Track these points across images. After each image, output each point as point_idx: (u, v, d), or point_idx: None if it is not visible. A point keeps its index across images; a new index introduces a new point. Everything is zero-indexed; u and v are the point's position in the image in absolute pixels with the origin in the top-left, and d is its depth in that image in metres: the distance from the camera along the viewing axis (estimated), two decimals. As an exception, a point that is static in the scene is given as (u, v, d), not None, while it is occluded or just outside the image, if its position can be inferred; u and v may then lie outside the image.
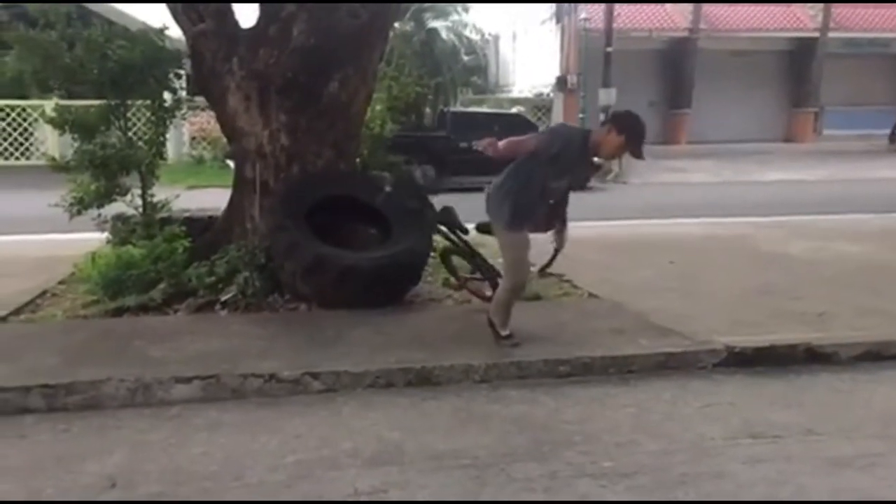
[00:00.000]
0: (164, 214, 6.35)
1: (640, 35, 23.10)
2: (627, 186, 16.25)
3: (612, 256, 7.29)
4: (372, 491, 3.03)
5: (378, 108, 7.54)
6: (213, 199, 7.40)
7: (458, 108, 18.70)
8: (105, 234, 6.23)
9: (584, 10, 22.25)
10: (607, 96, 19.05)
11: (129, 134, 6.27)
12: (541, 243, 4.66)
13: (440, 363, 4.23)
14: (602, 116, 16.72)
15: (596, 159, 4.67)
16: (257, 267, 5.51)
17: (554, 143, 4.29)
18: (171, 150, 15.63)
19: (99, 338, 4.73)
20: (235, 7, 6.05)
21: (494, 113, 18.23)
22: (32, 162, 16.93)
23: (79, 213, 6.00)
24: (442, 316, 5.32)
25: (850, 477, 3.18)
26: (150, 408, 3.87)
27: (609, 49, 19.61)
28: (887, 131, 23.17)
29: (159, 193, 6.48)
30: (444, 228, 5.53)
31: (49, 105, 7.36)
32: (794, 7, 24.32)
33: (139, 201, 6.26)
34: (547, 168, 4.27)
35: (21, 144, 18.02)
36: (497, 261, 5.01)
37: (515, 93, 25.77)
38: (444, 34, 20.47)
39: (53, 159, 6.36)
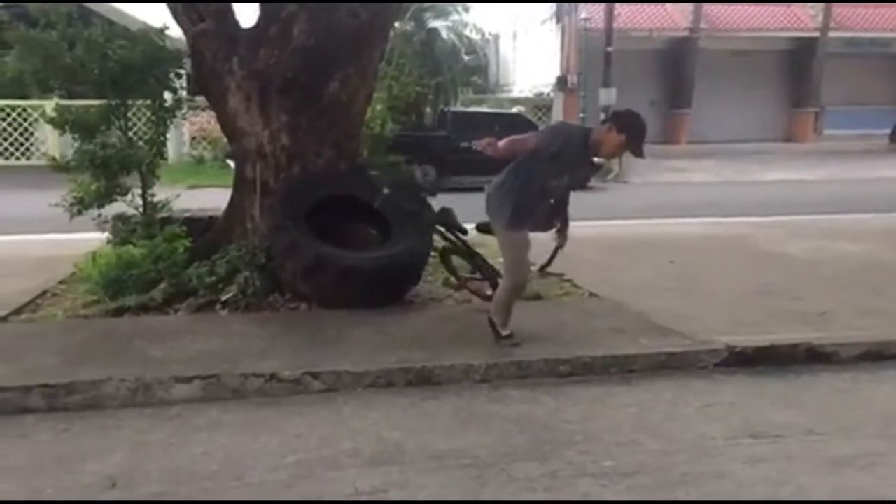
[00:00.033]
0: (164, 214, 6.35)
1: (641, 35, 23.10)
2: (628, 186, 16.25)
3: (612, 256, 7.28)
4: (372, 491, 3.03)
5: (378, 107, 7.55)
6: (214, 199, 7.40)
7: (459, 108, 18.70)
8: (105, 234, 6.23)
9: (584, 10, 22.25)
10: (608, 96, 19.05)
11: (130, 134, 6.27)
12: (541, 243, 4.66)
13: (440, 363, 4.22)
14: (602, 116, 16.70)
15: (596, 159, 4.68)
16: (258, 267, 5.51)
17: (554, 141, 4.28)
18: (171, 149, 15.64)
19: (99, 337, 4.73)
20: (236, 7, 6.05)
21: (495, 113, 18.23)
22: (33, 162, 16.94)
23: (79, 212, 6.00)
24: (442, 316, 5.32)
25: (850, 476, 3.18)
26: (151, 408, 3.87)
27: (609, 49, 19.61)
28: (888, 131, 23.16)
29: (160, 193, 6.48)
30: (442, 229, 5.53)
31: (49, 105, 7.36)
32: (795, 7, 24.32)
33: (140, 201, 6.27)
34: (547, 166, 4.26)
35: (21, 144, 18.02)
36: (497, 260, 5.01)
37: (516, 92, 25.78)
38: (444, 34, 20.47)
39: (54, 159, 6.36)
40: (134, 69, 5.95)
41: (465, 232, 5.51)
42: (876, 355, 4.61)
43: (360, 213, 5.84)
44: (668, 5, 23.82)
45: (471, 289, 5.66)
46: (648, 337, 4.69)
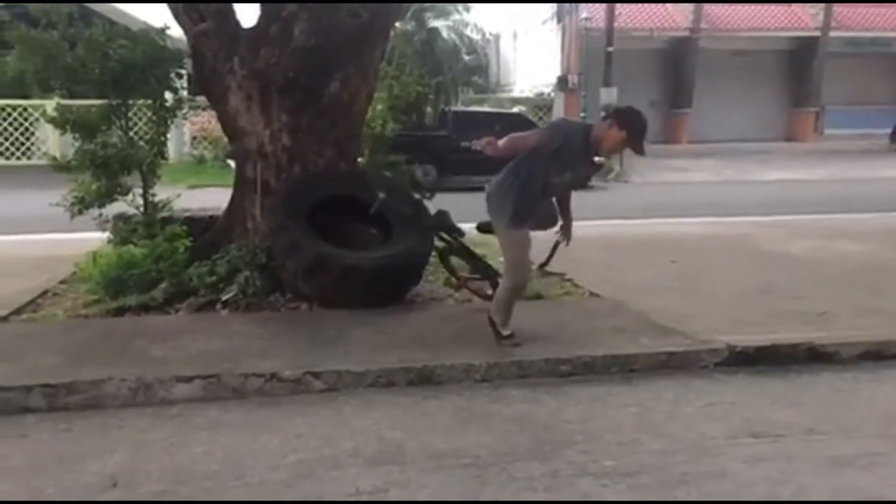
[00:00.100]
0: (165, 214, 6.36)
1: (641, 35, 23.11)
2: (628, 185, 16.26)
3: (613, 255, 7.28)
4: (373, 490, 3.03)
5: (379, 107, 7.54)
6: (215, 199, 7.40)
7: (459, 108, 18.71)
8: (106, 234, 6.23)
9: (585, 10, 22.28)
10: (608, 96, 19.06)
11: (131, 133, 6.27)
12: (541, 242, 4.67)
13: (441, 362, 4.22)
14: (603, 115, 16.70)
15: (597, 158, 4.67)
16: (258, 266, 5.51)
17: (555, 137, 4.26)
18: (172, 149, 15.62)
19: (100, 337, 4.73)
20: (236, 7, 6.05)
21: (495, 112, 18.23)
22: (34, 161, 16.95)
23: (80, 212, 6.00)
24: (443, 315, 5.32)
25: (851, 476, 3.18)
26: (152, 407, 3.87)
27: (610, 48, 19.62)
28: (888, 131, 23.16)
29: (160, 193, 6.48)
30: (439, 232, 5.53)
31: (50, 105, 7.36)
32: (795, 6, 24.33)
33: (140, 201, 6.27)
34: (548, 163, 4.25)
35: (22, 144, 18.04)
36: (498, 260, 5.01)
37: (516, 92, 25.79)
38: (445, 34, 20.49)
39: (55, 159, 6.37)
40: (135, 69, 5.96)
41: (462, 234, 5.52)
42: (876, 355, 4.61)
43: (360, 212, 5.84)
44: (668, 5, 23.83)
45: (471, 288, 5.66)
46: (649, 336, 4.69)
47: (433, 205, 5.91)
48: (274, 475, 3.16)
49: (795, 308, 5.40)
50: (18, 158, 17.89)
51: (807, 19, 24.22)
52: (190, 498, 3.00)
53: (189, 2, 5.91)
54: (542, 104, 23.05)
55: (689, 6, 23.49)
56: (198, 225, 6.31)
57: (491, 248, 5.62)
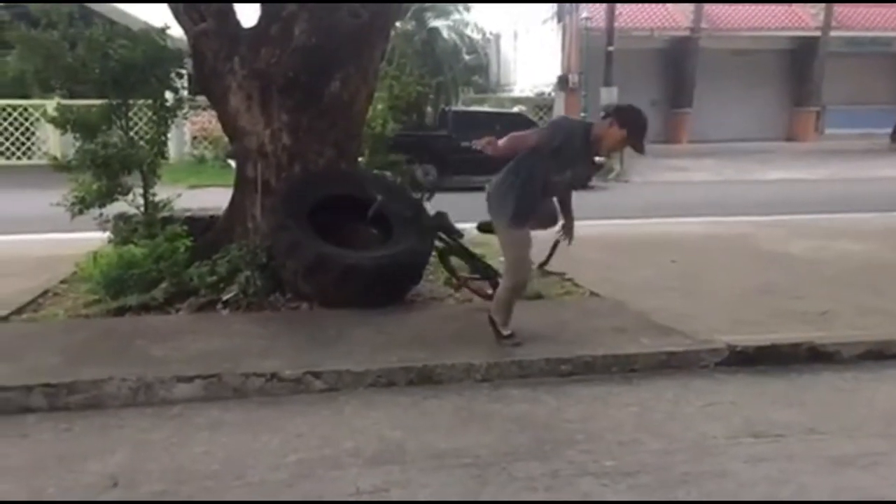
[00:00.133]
0: (165, 214, 6.36)
1: (642, 34, 23.09)
2: (629, 185, 16.25)
3: (613, 255, 7.28)
4: (374, 490, 3.03)
5: (379, 107, 7.55)
6: (215, 199, 7.40)
7: (460, 108, 18.72)
8: (107, 234, 6.23)
9: (585, 10, 22.26)
10: (609, 95, 19.04)
11: (131, 133, 6.28)
12: (541, 241, 4.67)
13: (442, 362, 4.22)
14: (603, 114, 16.70)
15: (598, 158, 4.66)
16: (259, 266, 5.51)
17: (556, 136, 4.25)
18: (172, 149, 15.62)
19: (101, 337, 4.73)
20: (237, 7, 6.05)
21: (496, 112, 18.23)
22: (34, 161, 16.95)
23: (80, 212, 6.01)
24: (443, 315, 5.32)
25: (852, 476, 3.18)
26: (152, 407, 3.87)
27: (610, 48, 19.59)
28: (889, 130, 23.14)
29: (161, 193, 6.48)
30: (438, 233, 5.53)
31: (51, 104, 7.36)
32: (796, 6, 24.31)
33: (141, 201, 6.27)
34: (549, 162, 4.24)
35: (23, 144, 18.04)
36: (499, 259, 5.00)
37: (517, 92, 25.78)
38: (445, 33, 20.50)
39: (55, 159, 6.37)
40: (135, 69, 5.96)
41: (460, 235, 5.52)
42: (877, 354, 4.61)
43: (361, 212, 5.84)
44: (669, 5, 23.81)
45: (471, 288, 5.66)
46: (650, 336, 4.69)
47: (433, 205, 5.91)
48: (274, 475, 3.16)
49: (796, 308, 5.39)
50: (19, 158, 17.90)
51: (807, 19, 24.20)
52: (190, 498, 3.00)
53: (189, 1, 5.91)
54: (542, 104, 23.04)
55: (690, 6, 23.47)
56: (198, 225, 6.31)
57: (491, 248, 5.62)
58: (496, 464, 3.24)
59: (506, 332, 4.51)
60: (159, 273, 5.46)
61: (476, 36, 22.57)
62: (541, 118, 21.07)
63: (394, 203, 5.58)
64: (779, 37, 24.51)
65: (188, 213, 6.69)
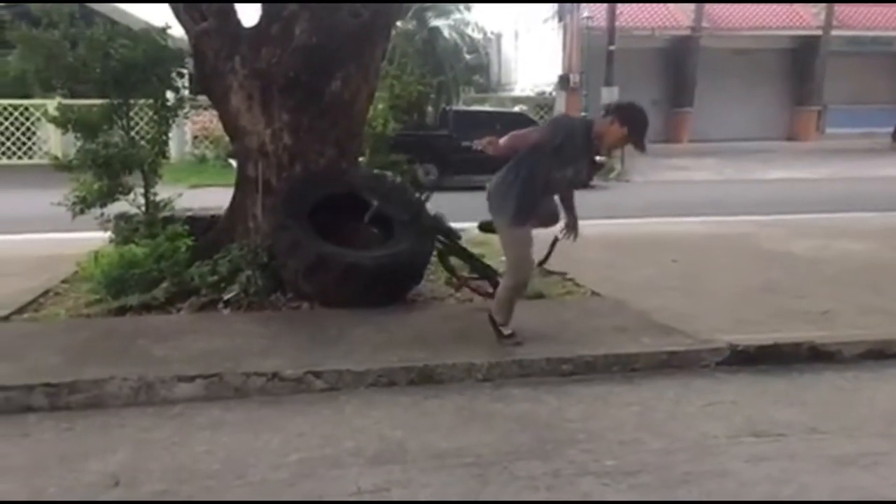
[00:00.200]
0: (166, 213, 6.35)
1: (643, 33, 23.09)
2: (630, 185, 16.24)
3: (614, 255, 7.28)
4: (374, 489, 3.03)
5: (380, 106, 7.57)
6: (216, 198, 7.40)
7: (461, 107, 18.72)
8: (108, 233, 6.23)
9: (586, 9, 22.25)
10: (610, 95, 19.01)
11: (132, 133, 6.28)
12: (543, 242, 4.66)
13: (442, 362, 4.22)
14: (603, 112, 16.69)
15: (598, 158, 4.66)
16: (260, 266, 5.51)
17: (557, 134, 4.24)
18: (173, 149, 15.63)
19: (102, 337, 4.74)
20: (238, 6, 6.05)
21: (497, 111, 18.23)
22: (35, 161, 16.97)
23: (82, 212, 6.01)
24: (444, 315, 5.32)
25: (853, 475, 3.18)
26: (153, 406, 3.87)
27: (611, 47, 19.58)
28: (890, 129, 23.14)
29: (162, 192, 6.48)
30: (436, 235, 5.53)
31: (52, 104, 7.36)
32: (797, 5, 24.29)
33: (142, 200, 6.27)
34: (550, 160, 4.22)
35: (24, 143, 18.05)
36: (500, 259, 5.00)
37: (518, 91, 25.79)
38: (446, 33, 20.52)
39: (56, 158, 6.37)
40: (136, 68, 5.96)
41: (458, 237, 5.51)
42: (878, 354, 4.60)
43: (361, 212, 5.84)
44: (669, 4, 23.80)
45: (471, 287, 5.66)
46: (651, 336, 4.68)
47: (433, 205, 5.90)
48: (275, 474, 3.16)
49: (797, 307, 5.39)
50: (20, 158, 17.91)
51: (808, 18, 24.19)
52: (191, 497, 3.00)
53: (190, 1, 5.91)
54: (543, 103, 23.04)
55: (691, 5, 23.46)
56: (199, 224, 6.31)
57: (492, 248, 5.62)
58: (497, 463, 3.24)
59: (507, 332, 4.51)
60: (160, 273, 5.46)
61: (477, 35, 22.60)
62: (542, 118, 21.02)
63: (391, 207, 5.56)
64: (780, 36, 24.50)
65: (189, 213, 6.69)
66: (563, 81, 22.86)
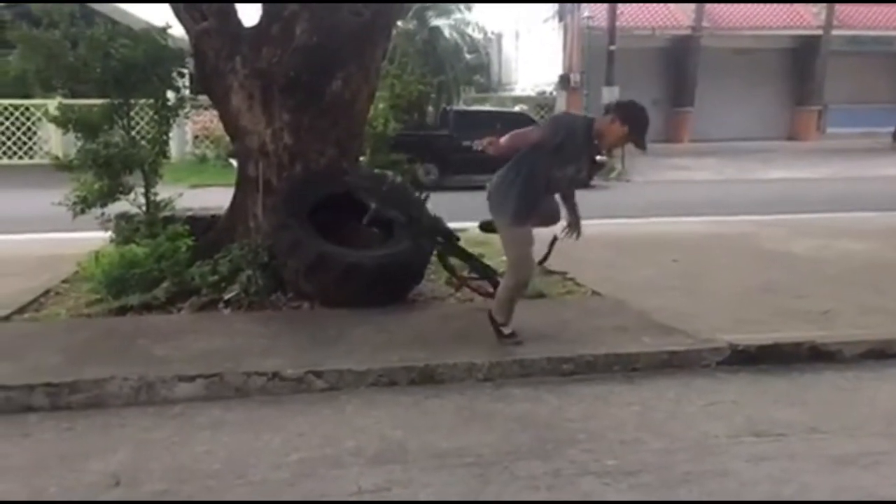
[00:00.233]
0: (167, 213, 6.36)
1: (644, 33, 23.08)
2: (630, 184, 16.23)
3: (615, 254, 7.28)
4: (375, 489, 3.03)
5: (381, 106, 7.57)
6: (216, 198, 7.41)
7: (461, 107, 18.72)
8: (108, 233, 6.24)
9: (587, 9, 22.24)
10: (610, 94, 18.99)
11: (133, 133, 6.28)
12: (544, 242, 4.66)
13: (443, 361, 4.22)
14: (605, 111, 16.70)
15: (598, 157, 4.65)
16: (260, 265, 5.51)
17: (558, 132, 4.23)
18: (174, 148, 15.59)
19: (102, 336, 4.74)
20: (238, 6, 6.05)
21: (497, 111, 18.21)
22: (36, 161, 16.98)
23: (82, 211, 6.01)
24: (445, 314, 5.32)
25: (853, 475, 3.18)
26: (154, 406, 3.88)
27: (612, 47, 19.58)
28: (891, 129, 23.11)
29: (162, 192, 6.49)
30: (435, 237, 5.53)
31: (52, 104, 7.36)
32: (798, 5, 24.27)
33: (142, 200, 6.27)
34: (551, 158, 4.22)
35: (24, 143, 18.06)
36: (500, 259, 5.00)
37: (518, 91, 25.80)
38: (446, 32, 20.51)
39: (57, 158, 6.37)
40: (136, 68, 5.96)
41: (457, 238, 5.51)
42: (879, 354, 4.60)
43: (362, 211, 5.84)
44: (670, 4, 23.79)
45: (472, 286, 5.65)
46: (651, 335, 4.68)
47: (434, 205, 5.89)
48: (276, 474, 3.16)
49: (798, 307, 5.39)
50: (21, 158, 17.92)
51: (809, 18, 24.18)
52: (192, 497, 3.00)
53: (191, 1, 5.91)
54: (544, 103, 23.05)
55: (691, 5, 23.45)
56: (200, 224, 6.31)
57: (492, 248, 5.62)
58: (498, 463, 3.24)
59: (507, 332, 4.51)
60: (161, 272, 5.46)
61: (477, 35, 22.59)
62: (542, 117, 21.04)
63: (390, 209, 5.55)
64: (780, 36, 24.49)
65: (190, 213, 6.69)
66: (564, 81, 22.87)
